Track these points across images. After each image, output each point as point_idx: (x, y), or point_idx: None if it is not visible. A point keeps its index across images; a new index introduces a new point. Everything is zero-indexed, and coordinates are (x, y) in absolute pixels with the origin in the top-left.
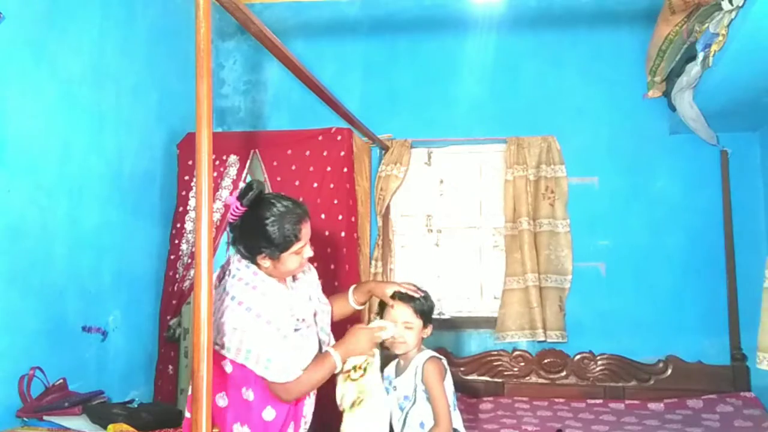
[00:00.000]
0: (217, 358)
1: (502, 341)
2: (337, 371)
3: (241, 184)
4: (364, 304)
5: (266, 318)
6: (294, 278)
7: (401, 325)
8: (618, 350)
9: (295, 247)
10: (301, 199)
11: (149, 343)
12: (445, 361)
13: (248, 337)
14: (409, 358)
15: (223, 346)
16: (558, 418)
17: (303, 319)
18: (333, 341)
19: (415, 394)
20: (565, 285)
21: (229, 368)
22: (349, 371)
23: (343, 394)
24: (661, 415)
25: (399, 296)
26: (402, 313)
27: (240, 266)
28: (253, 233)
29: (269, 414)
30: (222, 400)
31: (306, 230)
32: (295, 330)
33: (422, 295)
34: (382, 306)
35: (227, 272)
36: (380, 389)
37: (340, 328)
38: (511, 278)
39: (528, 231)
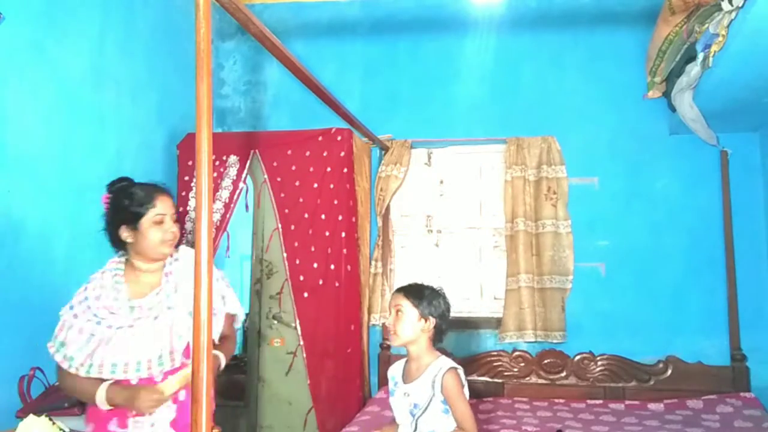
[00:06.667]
0: None
1: (504, 342)
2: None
3: (242, 185)
4: None
5: (75, 311)
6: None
7: (393, 310)
8: (618, 351)
9: (151, 214)
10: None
11: None
12: (462, 371)
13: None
14: (423, 363)
15: None
16: (558, 418)
17: (113, 313)
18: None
19: (428, 403)
20: (567, 285)
21: None
22: None
23: None
24: (661, 416)
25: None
26: (394, 296)
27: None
28: (112, 208)
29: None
30: None
31: (163, 203)
32: (101, 321)
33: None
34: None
35: None
36: None
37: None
38: (513, 278)
39: (525, 232)
